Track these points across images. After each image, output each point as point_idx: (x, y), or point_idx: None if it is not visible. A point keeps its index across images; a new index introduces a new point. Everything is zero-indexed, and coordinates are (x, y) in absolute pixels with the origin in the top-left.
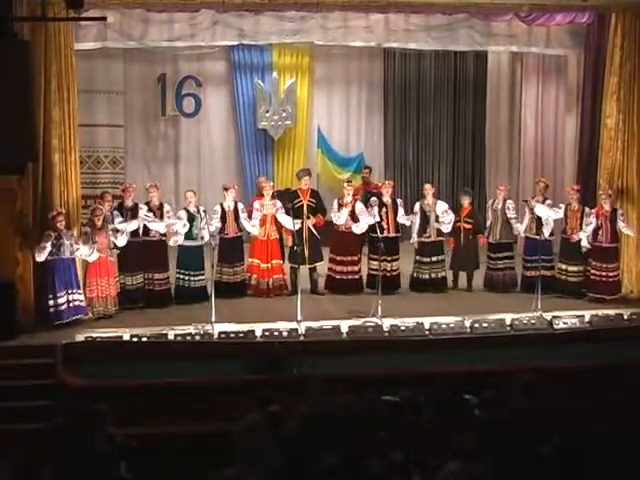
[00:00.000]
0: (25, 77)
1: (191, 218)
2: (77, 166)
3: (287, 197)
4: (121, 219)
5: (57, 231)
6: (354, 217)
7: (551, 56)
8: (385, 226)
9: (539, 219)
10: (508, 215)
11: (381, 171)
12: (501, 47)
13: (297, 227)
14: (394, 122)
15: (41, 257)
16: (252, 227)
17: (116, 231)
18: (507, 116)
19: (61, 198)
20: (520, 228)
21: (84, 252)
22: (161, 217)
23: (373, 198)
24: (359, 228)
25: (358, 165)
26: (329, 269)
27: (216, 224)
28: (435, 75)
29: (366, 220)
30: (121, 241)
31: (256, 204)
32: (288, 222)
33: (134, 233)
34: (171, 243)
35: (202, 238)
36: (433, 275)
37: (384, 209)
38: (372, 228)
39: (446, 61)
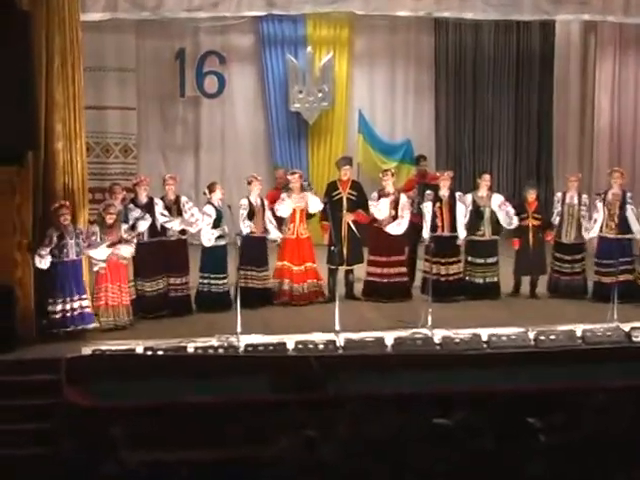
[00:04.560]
0: (25, 53)
1: (218, 215)
2: (83, 155)
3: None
4: (138, 215)
5: (60, 229)
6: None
7: (630, 26)
8: (439, 223)
9: (621, 216)
10: (583, 212)
11: (431, 160)
12: (571, 16)
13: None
14: (446, 104)
15: (43, 264)
16: (275, 230)
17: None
18: (578, 96)
19: (65, 191)
20: (595, 227)
21: (100, 255)
22: (178, 213)
23: (428, 191)
24: (397, 228)
25: (405, 153)
26: (369, 273)
27: (248, 222)
28: (494, 50)
29: (407, 219)
30: (125, 251)
31: (284, 196)
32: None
33: (151, 233)
34: (206, 243)
35: (224, 237)
36: (487, 280)
37: (438, 204)
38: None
39: (507, 33)
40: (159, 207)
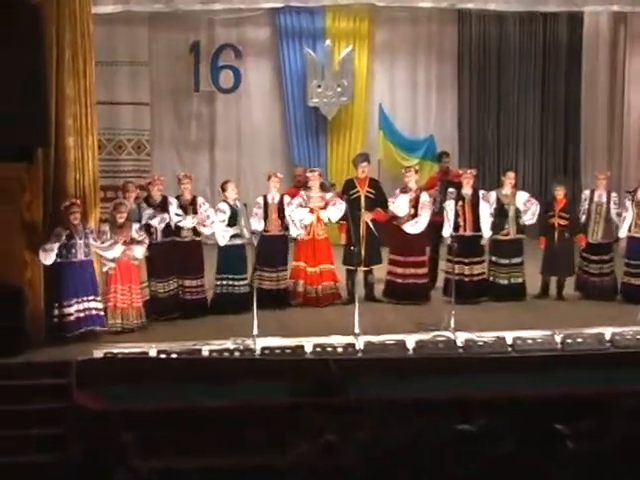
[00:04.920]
0: (34, 47)
1: (234, 213)
2: (95, 151)
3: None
4: (151, 213)
5: (69, 227)
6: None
7: None
8: (462, 223)
9: None
10: (612, 210)
11: (454, 157)
12: (600, 7)
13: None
14: (470, 98)
15: (47, 259)
16: (294, 228)
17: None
18: (607, 90)
19: (76, 189)
20: (624, 226)
21: (114, 254)
22: (194, 214)
23: (450, 189)
24: (414, 228)
25: (427, 150)
26: (389, 272)
27: (262, 220)
28: (520, 42)
29: (425, 218)
30: (138, 251)
31: (303, 194)
32: (306, 217)
33: (165, 233)
34: (220, 241)
35: (241, 236)
36: (512, 280)
37: (461, 203)
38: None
39: (533, 24)
40: (173, 207)
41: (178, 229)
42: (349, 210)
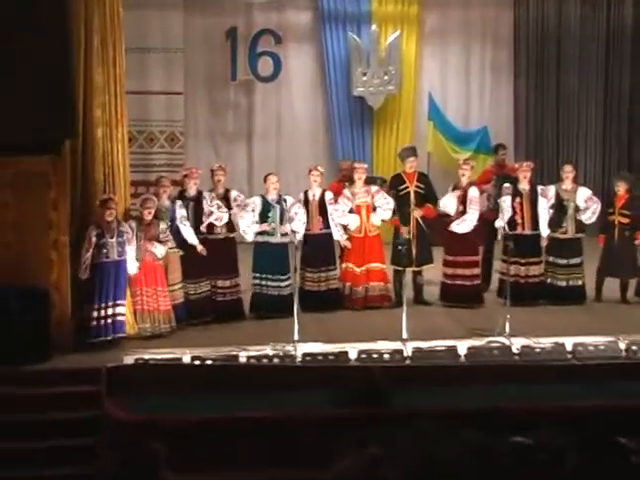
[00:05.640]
0: (61, 32)
1: (266, 208)
2: (125, 144)
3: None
4: (185, 213)
5: (100, 226)
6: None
7: None
8: (519, 220)
9: None
10: None
11: (510, 149)
12: None
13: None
14: (527, 87)
15: (85, 274)
16: (338, 232)
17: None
18: None
19: (105, 184)
20: None
21: (160, 251)
22: (228, 208)
23: (506, 184)
24: (460, 227)
25: (481, 142)
26: (444, 274)
27: (303, 217)
28: (581, 26)
29: (473, 215)
30: (159, 250)
31: (346, 192)
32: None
33: (196, 230)
34: (247, 236)
35: (284, 234)
36: (571, 282)
37: (518, 199)
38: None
39: (596, 8)
40: (207, 201)
41: (210, 225)
42: (397, 207)
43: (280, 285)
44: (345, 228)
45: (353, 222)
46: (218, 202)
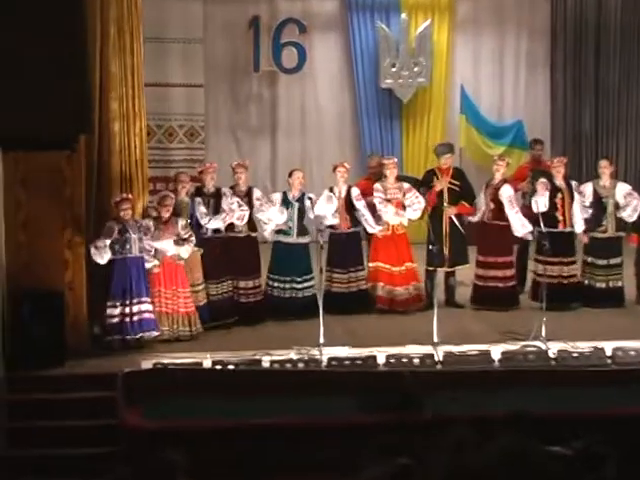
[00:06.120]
0: (76, 21)
1: (284, 206)
2: (143, 138)
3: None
4: (205, 210)
5: (121, 222)
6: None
7: None
8: (560, 218)
9: None
10: None
11: (546, 144)
12: None
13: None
14: (565, 79)
15: (101, 257)
16: (371, 224)
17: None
18: None
19: (122, 180)
20: None
21: (166, 246)
22: (250, 206)
23: (542, 180)
24: (518, 229)
25: (516, 136)
26: (476, 275)
27: (329, 214)
28: (622, 16)
29: (513, 214)
30: (184, 250)
31: (378, 186)
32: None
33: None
34: (268, 237)
35: (302, 235)
36: (611, 284)
37: (559, 195)
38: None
39: None
40: (227, 199)
41: (230, 223)
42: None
43: (295, 287)
44: (378, 219)
45: (391, 212)
46: (238, 200)
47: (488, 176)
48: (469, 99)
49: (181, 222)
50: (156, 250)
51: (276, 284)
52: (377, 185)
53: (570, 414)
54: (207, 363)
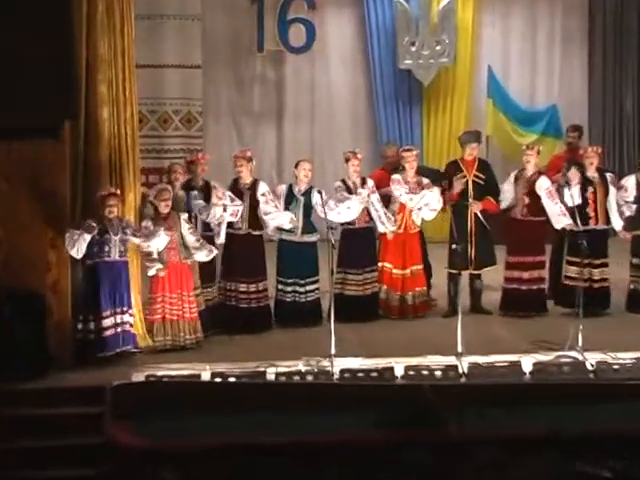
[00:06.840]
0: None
1: (289, 200)
2: (135, 126)
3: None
4: (203, 203)
5: (102, 221)
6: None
7: None
8: (592, 214)
9: None
10: None
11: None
12: None
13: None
14: (604, 60)
15: (77, 251)
16: (384, 222)
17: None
18: None
19: (111, 172)
20: None
21: (158, 243)
22: (255, 202)
23: (572, 170)
24: (557, 221)
25: (549, 123)
26: (506, 278)
27: (344, 210)
28: None
29: (552, 208)
30: (200, 256)
31: (397, 177)
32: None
33: (205, 226)
34: (271, 235)
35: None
36: None
37: (591, 188)
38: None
39: None
40: (217, 192)
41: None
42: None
43: (298, 290)
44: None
45: (416, 199)
46: (230, 194)
47: (515, 167)
48: (497, 81)
49: (183, 216)
50: (159, 252)
51: (280, 286)
52: (397, 176)
53: (610, 433)
54: (206, 375)
